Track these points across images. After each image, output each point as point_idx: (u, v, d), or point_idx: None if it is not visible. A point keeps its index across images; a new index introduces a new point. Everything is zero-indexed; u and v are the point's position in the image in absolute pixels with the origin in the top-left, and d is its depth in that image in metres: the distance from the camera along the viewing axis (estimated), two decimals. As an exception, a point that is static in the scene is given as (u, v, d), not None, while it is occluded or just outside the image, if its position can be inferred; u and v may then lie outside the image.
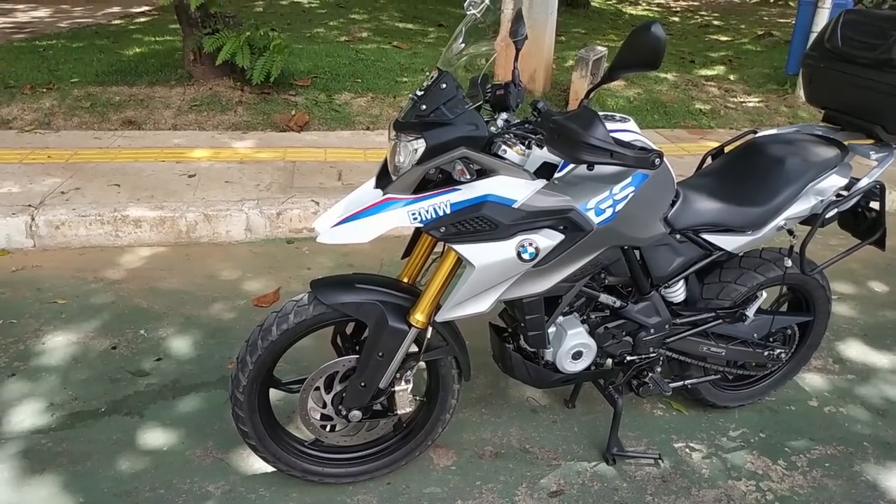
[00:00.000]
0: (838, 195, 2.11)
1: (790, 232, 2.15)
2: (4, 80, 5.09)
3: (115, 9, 9.00)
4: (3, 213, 3.32)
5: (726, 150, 2.30)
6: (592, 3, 11.04)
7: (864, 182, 2.11)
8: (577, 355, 1.99)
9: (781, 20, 11.25)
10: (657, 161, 1.55)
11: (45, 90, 4.94)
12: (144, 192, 3.63)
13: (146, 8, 8.98)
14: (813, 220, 2.10)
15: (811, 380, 2.65)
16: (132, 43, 6.49)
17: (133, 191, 3.64)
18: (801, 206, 2.07)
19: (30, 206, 3.40)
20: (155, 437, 2.18)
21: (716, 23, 10.81)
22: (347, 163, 4.21)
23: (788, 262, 2.13)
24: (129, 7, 9.09)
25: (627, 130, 1.73)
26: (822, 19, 5.59)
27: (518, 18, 1.87)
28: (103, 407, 2.30)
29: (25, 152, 4.08)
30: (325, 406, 1.92)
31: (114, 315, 2.82)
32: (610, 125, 1.69)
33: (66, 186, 3.64)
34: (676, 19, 10.99)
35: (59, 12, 8.65)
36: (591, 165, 1.61)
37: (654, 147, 1.62)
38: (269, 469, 2.02)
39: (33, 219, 3.32)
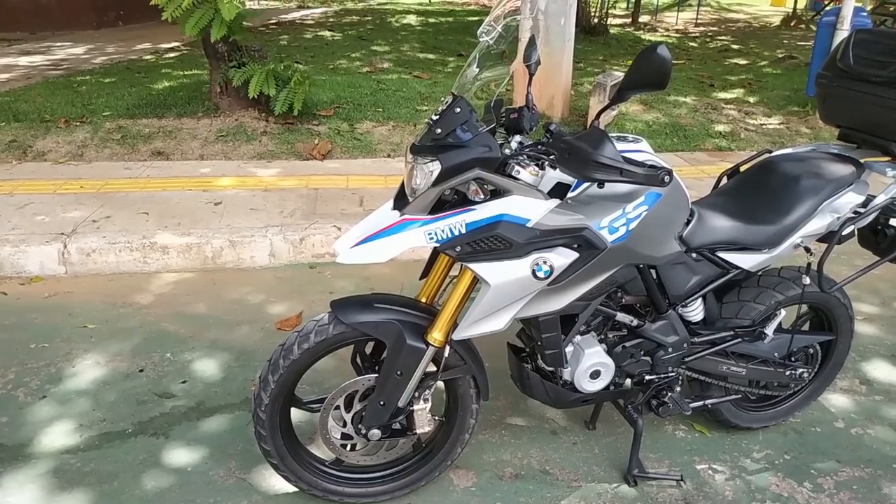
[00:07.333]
0: (855, 212, 2.11)
1: (807, 249, 2.15)
2: (41, 115, 5.30)
3: (146, 45, 9.33)
4: (37, 242, 3.44)
5: (741, 169, 2.31)
6: (610, 31, 11.14)
7: (880, 199, 2.11)
8: (595, 374, 1.99)
9: (802, 43, 11.22)
10: (666, 178, 1.57)
11: (78, 123, 5.13)
12: (172, 220, 3.74)
13: (175, 44, 9.29)
14: (830, 237, 2.09)
15: (836, 400, 2.61)
16: (161, 77, 6.71)
17: (161, 218, 3.75)
18: (818, 224, 2.07)
19: (62, 234, 3.52)
20: (180, 458, 2.22)
21: (734, 47, 10.83)
22: (369, 189, 4.28)
23: (807, 280, 2.12)
24: (159, 43, 9.41)
25: (639, 150, 1.76)
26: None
27: (531, 44, 1.92)
28: (130, 428, 2.35)
29: (59, 183, 4.23)
30: (345, 425, 1.95)
31: (141, 339, 2.90)
32: (622, 145, 1.73)
33: (97, 215, 3.76)
34: (695, 44, 11.03)
35: (93, 49, 8.99)
36: (601, 183, 1.64)
37: (665, 165, 1.65)
38: (291, 488, 2.05)
39: (65, 246, 3.43)
